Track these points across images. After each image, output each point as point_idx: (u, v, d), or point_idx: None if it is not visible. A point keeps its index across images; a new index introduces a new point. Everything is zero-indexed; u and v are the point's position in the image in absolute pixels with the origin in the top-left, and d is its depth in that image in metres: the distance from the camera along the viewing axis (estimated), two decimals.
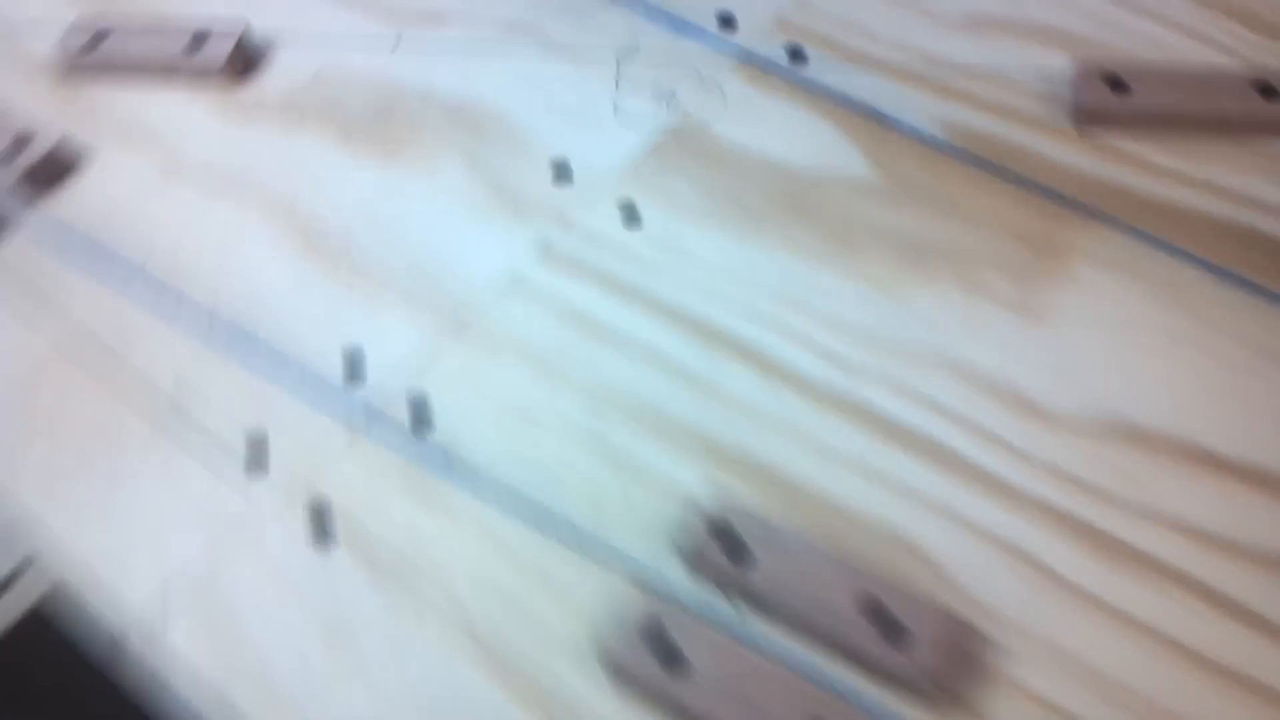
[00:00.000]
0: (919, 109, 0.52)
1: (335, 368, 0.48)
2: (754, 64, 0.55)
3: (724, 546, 0.40)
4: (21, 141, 0.55)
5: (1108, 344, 0.45)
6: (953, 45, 0.54)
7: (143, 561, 0.44)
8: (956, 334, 0.46)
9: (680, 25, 0.56)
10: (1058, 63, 0.53)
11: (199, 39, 0.57)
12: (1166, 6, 0.54)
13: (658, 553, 0.42)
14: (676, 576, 0.41)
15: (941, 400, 0.44)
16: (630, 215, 0.51)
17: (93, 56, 0.58)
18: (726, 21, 0.56)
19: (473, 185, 0.52)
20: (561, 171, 0.52)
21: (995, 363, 0.45)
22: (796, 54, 0.55)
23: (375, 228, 0.51)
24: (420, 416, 0.46)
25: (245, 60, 0.58)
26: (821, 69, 0.54)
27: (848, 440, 0.44)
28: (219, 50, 0.57)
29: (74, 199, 0.54)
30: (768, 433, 0.44)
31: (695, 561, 0.41)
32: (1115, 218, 0.48)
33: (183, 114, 0.56)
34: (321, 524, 0.44)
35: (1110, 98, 0.49)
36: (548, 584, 0.42)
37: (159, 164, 0.55)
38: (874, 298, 0.47)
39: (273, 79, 0.57)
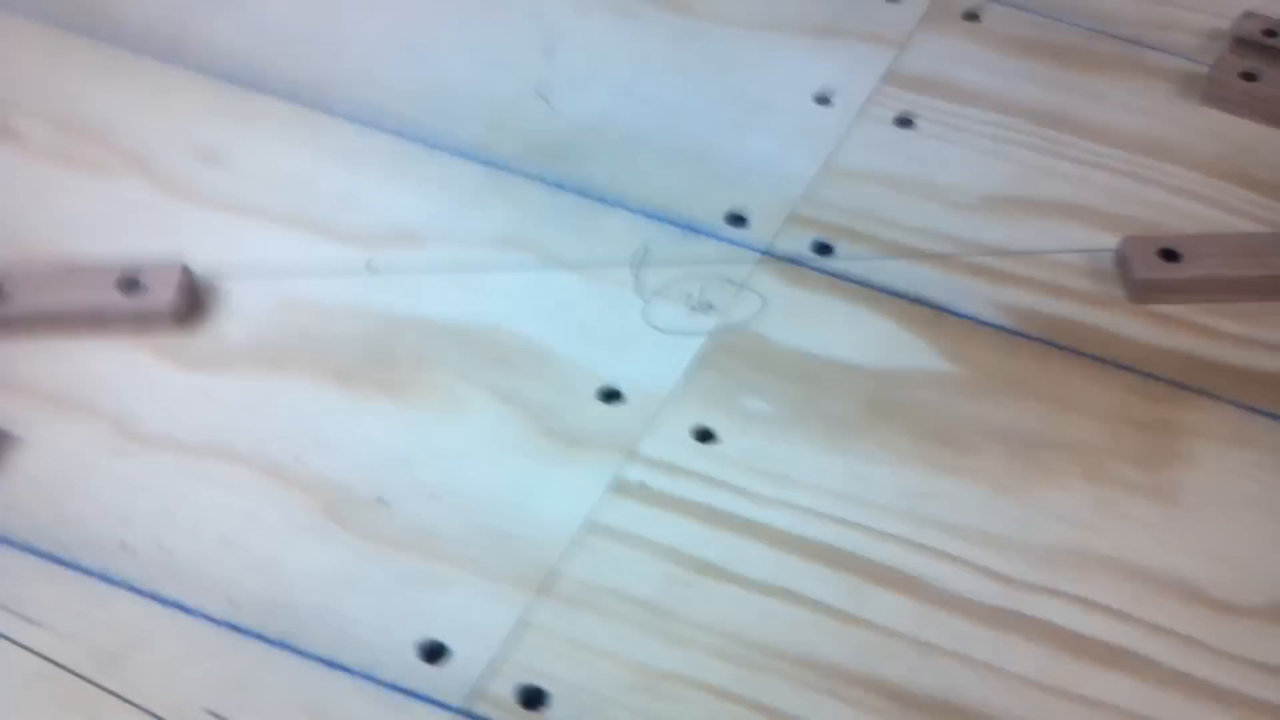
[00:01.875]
0: (972, 294, 0.53)
1: (409, 659, 0.42)
2: (779, 259, 0.54)
3: None
4: None
5: (1250, 520, 0.46)
6: (979, 227, 0.55)
7: None
8: (1100, 529, 0.45)
9: (688, 227, 0.55)
10: (1084, 236, 0.55)
11: (129, 283, 0.51)
12: (1177, 179, 0.57)
13: None
14: None
15: (1110, 602, 0.43)
16: (703, 436, 0.48)
17: None
18: (737, 220, 0.56)
19: (512, 423, 0.48)
20: (610, 396, 0.49)
21: (1149, 554, 0.45)
22: (823, 248, 0.54)
23: (410, 485, 0.46)
24: (531, 701, 0.41)
25: (192, 300, 0.52)
26: (853, 262, 0.54)
27: (1025, 660, 0.42)
28: (160, 292, 0.51)
29: (8, 498, 0.46)
30: (939, 663, 0.42)
31: None
32: (1209, 389, 0.49)
33: (124, 375, 0.50)
34: None
35: (1166, 268, 0.51)
36: None
37: (109, 437, 0.48)
38: (1002, 501, 0.46)
39: (230, 320, 0.52)
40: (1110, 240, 0.54)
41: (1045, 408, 0.49)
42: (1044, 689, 0.41)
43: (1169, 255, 0.52)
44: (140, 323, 0.51)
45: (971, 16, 0.65)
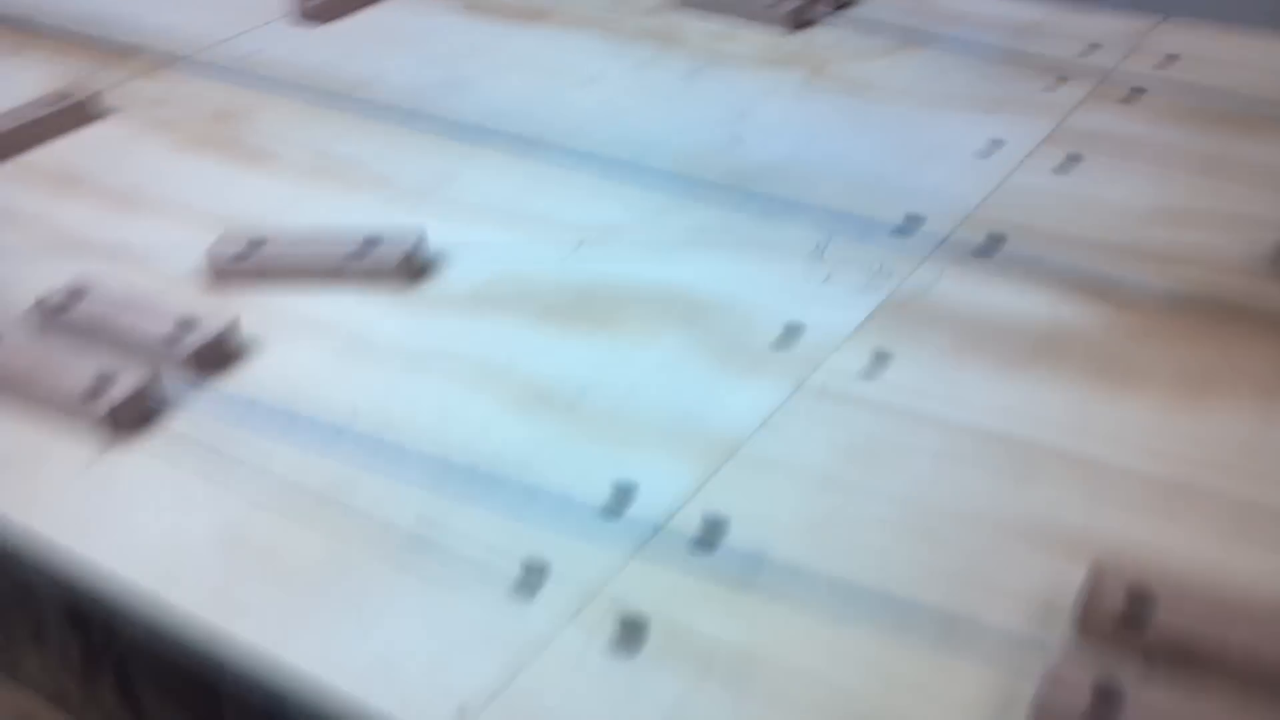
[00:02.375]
0: (1137, 272, 0.56)
1: (602, 497, 0.46)
2: (952, 247, 0.59)
3: (1132, 608, 0.38)
4: (185, 325, 0.54)
5: None
6: (1144, 230, 0.60)
7: (421, 686, 0.39)
8: (1272, 433, 0.47)
9: (868, 224, 0.61)
10: (1247, 235, 0.58)
11: (370, 243, 0.59)
12: None
13: (1036, 622, 0.39)
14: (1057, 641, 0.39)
15: None
16: (878, 359, 0.52)
17: (248, 263, 0.59)
18: (913, 220, 0.61)
19: (702, 348, 0.53)
20: (792, 332, 0.54)
21: None
22: (994, 239, 0.59)
23: (608, 385, 0.51)
24: (712, 528, 0.44)
25: (419, 265, 0.59)
26: (1022, 248, 0.58)
27: (1197, 517, 0.43)
28: (392, 253, 0.59)
29: (249, 378, 0.53)
30: (1108, 515, 0.43)
31: (1095, 624, 0.38)
32: None
33: (358, 308, 0.57)
34: (622, 633, 0.40)
35: None
36: (906, 679, 0.38)
37: (341, 347, 0.54)
38: (1170, 413, 0.48)
39: (451, 279, 0.59)
40: (1272, 236, 0.58)
41: (1211, 351, 0.51)
42: (1215, 545, 0.43)
43: None
44: (374, 276, 0.59)
45: (1134, 94, 0.72)
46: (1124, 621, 0.38)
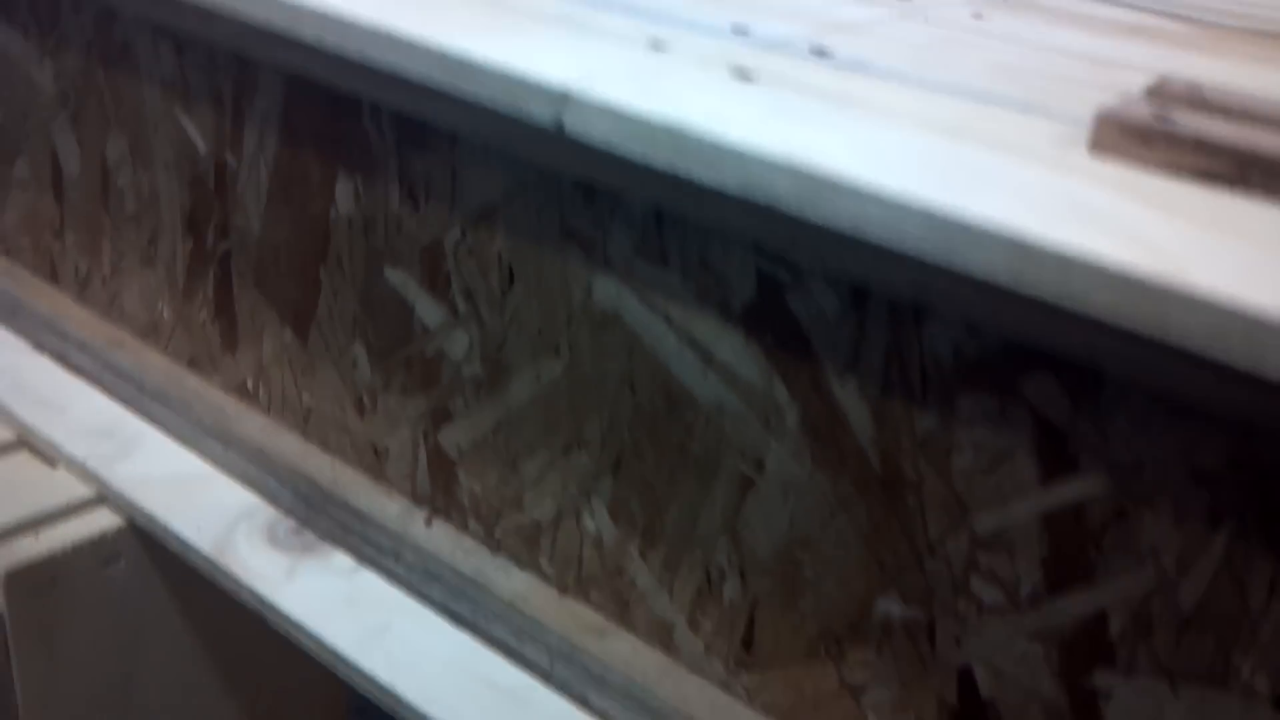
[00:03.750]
0: (1201, 13, 0.62)
1: (721, 30, 0.51)
2: None
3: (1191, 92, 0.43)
4: None
5: None
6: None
7: (559, 73, 0.44)
8: None
9: None
10: None
11: None
12: None
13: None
14: None
15: None
16: (976, 15, 0.58)
17: None
18: None
19: None
20: None
21: None
22: None
23: None
24: (819, 51, 0.49)
25: None
26: None
27: None
28: None
29: None
30: None
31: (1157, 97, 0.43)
32: None
33: None
34: (735, 76, 0.45)
35: None
36: (994, 121, 0.43)
37: None
38: (1246, 70, 0.54)
39: None
40: None
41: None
42: None
43: None
44: None
45: None
46: (1183, 94, 0.43)
